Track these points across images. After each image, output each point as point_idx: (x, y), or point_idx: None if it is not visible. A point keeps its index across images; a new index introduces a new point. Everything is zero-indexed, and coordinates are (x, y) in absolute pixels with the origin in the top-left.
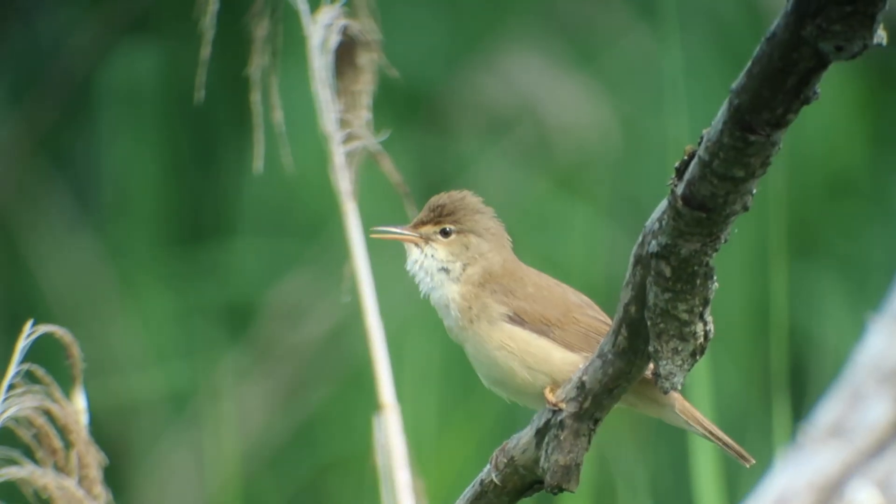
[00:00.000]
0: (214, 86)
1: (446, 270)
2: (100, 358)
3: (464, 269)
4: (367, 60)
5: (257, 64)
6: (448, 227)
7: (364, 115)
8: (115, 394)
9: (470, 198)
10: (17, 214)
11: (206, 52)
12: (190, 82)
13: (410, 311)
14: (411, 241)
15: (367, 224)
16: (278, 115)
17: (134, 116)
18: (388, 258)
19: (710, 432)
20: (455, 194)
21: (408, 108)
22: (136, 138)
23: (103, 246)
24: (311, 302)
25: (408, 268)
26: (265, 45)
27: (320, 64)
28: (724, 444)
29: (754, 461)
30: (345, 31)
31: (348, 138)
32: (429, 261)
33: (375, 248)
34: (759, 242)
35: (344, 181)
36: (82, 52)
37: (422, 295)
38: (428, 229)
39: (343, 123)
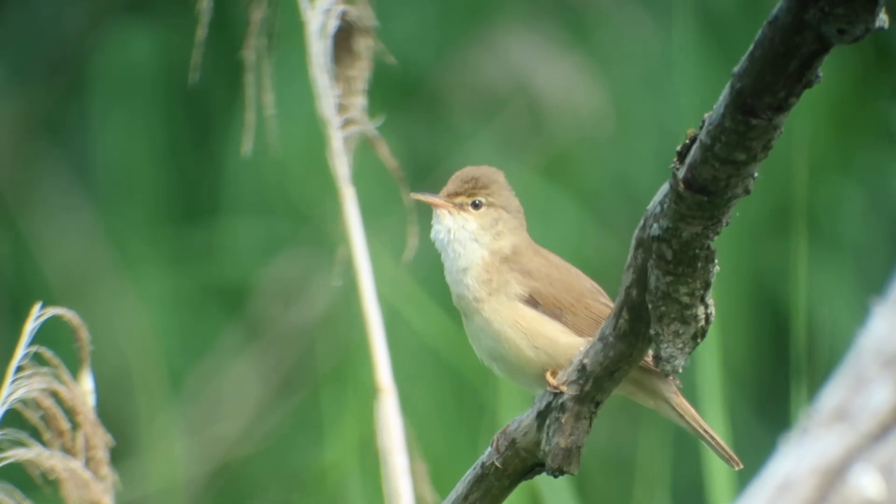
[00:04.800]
0: (209, 67)
1: (477, 241)
2: (95, 336)
3: (492, 242)
4: (364, 46)
5: (251, 46)
6: (480, 199)
7: (360, 100)
8: (109, 372)
9: (501, 174)
10: (16, 194)
11: (202, 33)
12: (185, 63)
13: (404, 294)
14: (447, 209)
15: (364, 208)
16: (270, 98)
17: (130, 97)
18: (383, 242)
19: (704, 431)
20: (488, 169)
21: (399, 88)
22: (132, 118)
23: (101, 225)
24: (305, 282)
25: (435, 235)
26: (261, 28)
27: (318, 49)
28: (716, 444)
29: (742, 466)
30: (343, 17)
31: (346, 123)
32: (461, 231)
33: (372, 232)
34: (757, 224)
35: (342, 166)
36: (79, 32)
37: (444, 263)
38: (461, 200)
39: (341, 109)
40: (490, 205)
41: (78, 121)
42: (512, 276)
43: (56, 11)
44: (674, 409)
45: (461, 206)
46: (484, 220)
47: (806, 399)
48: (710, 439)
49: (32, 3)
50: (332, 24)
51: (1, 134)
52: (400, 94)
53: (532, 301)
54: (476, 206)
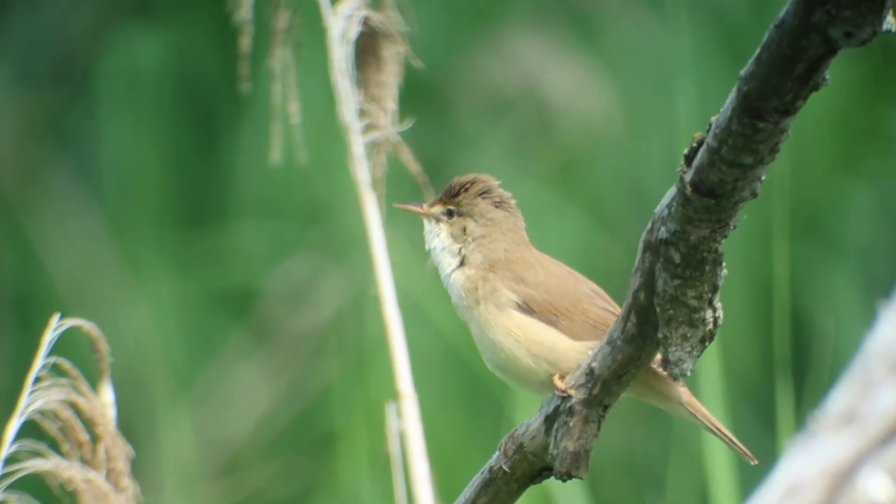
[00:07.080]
0: (216, 71)
1: (447, 250)
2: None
3: (460, 252)
4: (392, 52)
5: (277, 55)
6: (451, 208)
7: (389, 106)
8: (117, 376)
9: (478, 182)
10: (22, 198)
11: (245, 42)
12: (191, 67)
13: (420, 297)
14: (423, 216)
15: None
16: (296, 107)
17: (136, 100)
18: (403, 248)
19: (717, 428)
20: (465, 178)
21: (409, 90)
22: (138, 122)
23: (107, 229)
24: (313, 286)
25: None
26: (286, 36)
27: (340, 55)
28: (730, 440)
29: (757, 461)
30: (366, 23)
31: (367, 129)
32: (435, 240)
33: (393, 238)
34: (768, 228)
35: (363, 172)
36: (84, 35)
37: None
38: (437, 209)
39: (362, 114)
40: (459, 214)
41: (84, 125)
42: (501, 283)
43: (61, 15)
44: (686, 408)
45: (437, 217)
46: (453, 229)
47: (804, 403)
48: (724, 437)
49: (38, 7)
50: (354, 30)
51: (6, 137)
52: (410, 97)
53: (526, 308)
54: (450, 214)
